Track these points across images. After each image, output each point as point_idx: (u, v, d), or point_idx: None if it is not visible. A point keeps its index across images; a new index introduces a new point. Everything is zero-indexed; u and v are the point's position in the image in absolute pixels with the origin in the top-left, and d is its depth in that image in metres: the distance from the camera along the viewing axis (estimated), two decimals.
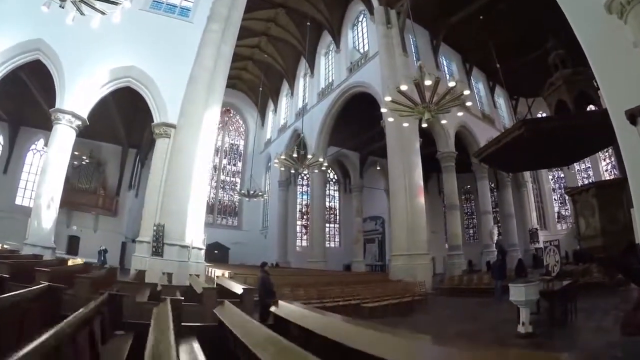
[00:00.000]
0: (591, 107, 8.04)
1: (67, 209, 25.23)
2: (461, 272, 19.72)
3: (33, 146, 26.90)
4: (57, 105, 14.71)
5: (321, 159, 18.25)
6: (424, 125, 10.89)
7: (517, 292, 6.93)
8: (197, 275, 10.86)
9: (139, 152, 28.04)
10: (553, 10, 7.75)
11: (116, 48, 15.33)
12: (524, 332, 6.58)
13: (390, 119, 11.91)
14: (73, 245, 25.44)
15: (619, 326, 5.91)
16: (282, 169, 21.37)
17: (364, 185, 32.27)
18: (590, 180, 24.86)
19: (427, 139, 22.23)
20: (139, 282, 9.15)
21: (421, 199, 18.05)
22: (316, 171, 21.86)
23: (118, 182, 27.96)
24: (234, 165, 40.10)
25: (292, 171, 21.03)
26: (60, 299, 4.97)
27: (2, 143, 26.06)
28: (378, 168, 29.59)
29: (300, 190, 34.91)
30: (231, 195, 38.27)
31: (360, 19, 25.99)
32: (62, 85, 14.87)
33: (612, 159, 26.20)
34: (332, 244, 34.92)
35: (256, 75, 34.24)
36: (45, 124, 18.90)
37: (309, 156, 17.52)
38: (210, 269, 16.16)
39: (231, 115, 40.88)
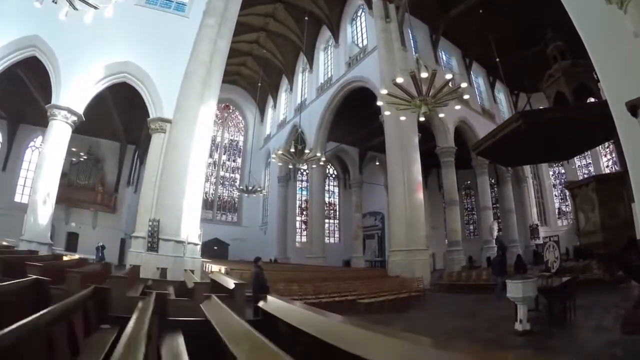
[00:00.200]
0: (591, 100, 7.87)
1: (65, 206, 25.23)
2: (460, 268, 19.58)
3: (32, 143, 26.83)
4: (53, 102, 14.67)
5: (319, 154, 18.12)
6: (422, 119, 10.73)
7: (514, 289, 6.79)
8: (192, 271, 10.75)
9: (138, 148, 27.92)
10: (552, 3, 7.60)
11: (112, 44, 15.25)
12: (521, 330, 6.45)
13: (387, 113, 11.76)
14: (72, 242, 25.42)
15: (619, 324, 5.77)
16: (280, 164, 21.29)
17: (363, 181, 32.17)
18: None
19: (427, 134, 22.07)
20: (132, 277, 9.06)
21: (420, 195, 17.91)
22: (314, 166, 21.73)
23: (117, 179, 27.90)
24: (234, 161, 39.98)
25: (290, 166, 20.88)
26: (47, 293, 4.92)
27: (1, 140, 26.04)
28: (377, 163, 29.46)
29: (300, 186, 34.75)
30: (231, 192, 38.19)
31: (359, 14, 25.76)
32: (57, 82, 14.84)
33: (613, 155, 25.96)
34: (331, 240, 34.86)
35: (255, 71, 34.06)
36: (44, 121, 18.85)
37: (307, 151, 17.36)
38: (207, 264, 16.10)
39: (230, 111, 40.76)
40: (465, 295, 13.60)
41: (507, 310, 7.79)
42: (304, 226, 33.61)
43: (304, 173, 32.08)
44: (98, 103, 19.56)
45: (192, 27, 16.04)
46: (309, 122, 26.90)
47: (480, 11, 20.21)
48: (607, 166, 27.09)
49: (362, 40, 24.65)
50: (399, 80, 9.13)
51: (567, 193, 22.62)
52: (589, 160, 28.61)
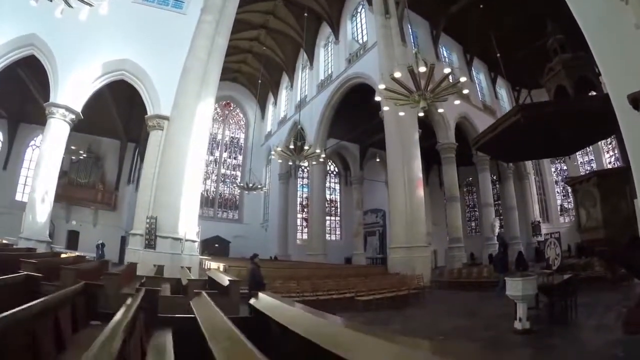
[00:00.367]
0: (592, 93, 7.71)
1: (66, 204, 25.26)
2: (461, 265, 19.46)
3: (32, 142, 26.78)
4: (51, 100, 14.69)
5: (318, 150, 17.98)
6: (420, 114, 10.59)
7: (514, 287, 6.65)
8: (189, 268, 10.72)
9: (138, 146, 27.83)
10: None
11: (110, 41, 15.25)
12: (520, 329, 6.30)
13: (386, 108, 11.63)
14: (73, 240, 25.42)
15: (620, 324, 5.63)
16: (280, 161, 21.18)
17: (364, 178, 32.05)
18: None
19: (428, 130, 21.94)
20: (128, 274, 9.02)
21: (420, 191, 17.78)
22: (314, 163, 21.63)
23: (117, 177, 27.85)
24: (235, 158, 39.91)
25: (290, 163, 20.78)
26: (39, 289, 4.88)
27: (1, 139, 26.06)
28: (377, 160, 29.32)
29: (301, 183, 34.62)
30: (232, 189, 38.12)
31: (359, 10, 25.59)
32: (55, 80, 14.85)
33: (616, 151, 25.74)
34: (333, 237, 34.79)
35: (256, 68, 33.95)
36: (44, 120, 18.87)
37: (306, 147, 17.24)
38: (206, 262, 16.06)
39: (231, 108, 40.67)
40: (466, 293, 13.49)
41: (507, 308, 7.65)
42: (304, 223, 33.52)
43: (305, 170, 31.99)
44: (98, 101, 19.52)
45: (190, 24, 15.95)
46: (310, 118, 26.79)
47: (481, 6, 20.00)
48: (610, 162, 26.88)
49: (362, 36, 24.49)
50: (397, 74, 8.99)
51: (569, 189, 22.45)
52: (591, 157, 28.41)
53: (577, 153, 28.24)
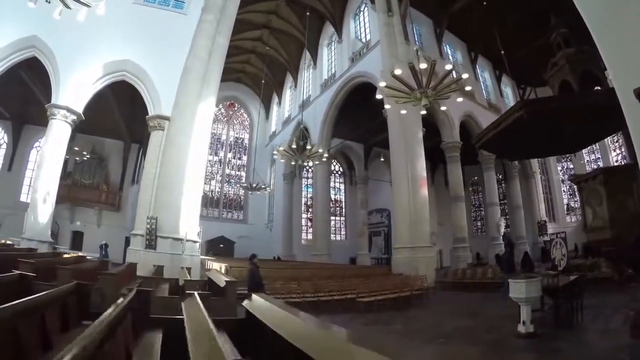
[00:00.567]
0: (597, 88, 7.49)
1: (70, 205, 25.42)
2: (466, 265, 19.21)
3: (37, 144, 26.92)
4: (53, 101, 14.72)
5: (320, 150, 17.82)
6: (423, 112, 10.41)
7: (517, 289, 6.45)
8: (189, 269, 10.64)
9: (142, 146, 27.92)
10: None
11: (111, 42, 15.25)
12: (524, 332, 6.10)
13: (388, 106, 11.47)
14: (77, 241, 25.59)
15: (627, 327, 5.42)
16: (283, 160, 21.04)
17: (369, 177, 31.85)
18: None
19: (433, 129, 21.75)
20: (127, 275, 8.96)
21: (424, 190, 17.56)
22: (317, 163, 21.50)
23: (121, 177, 27.98)
24: (239, 159, 39.84)
25: (293, 162, 20.65)
26: (32, 288, 4.83)
27: (6, 141, 26.31)
28: (382, 159, 29.12)
29: (305, 183, 34.44)
30: (237, 189, 38.06)
31: (362, 8, 25.40)
32: (57, 81, 14.88)
33: (623, 149, 25.33)
34: (337, 237, 34.65)
35: (259, 69, 33.87)
36: (47, 122, 19.07)
37: (308, 147, 17.10)
38: (209, 262, 15.99)
39: (236, 108, 40.61)
40: (470, 294, 13.29)
41: (511, 309, 7.45)
42: (309, 223, 33.34)
43: (309, 170, 31.87)
44: (101, 102, 19.57)
45: (191, 24, 15.88)
46: (314, 118, 26.68)
47: (484, 3, 19.74)
48: (617, 161, 26.43)
49: (365, 35, 24.31)
50: (397, 71, 8.83)
51: (575, 188, 22.10)
52: (598, 155, 28.01)
53: (583, 151, 27.90)
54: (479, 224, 33.79)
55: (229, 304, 6.54)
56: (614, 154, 26.86)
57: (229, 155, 39.41)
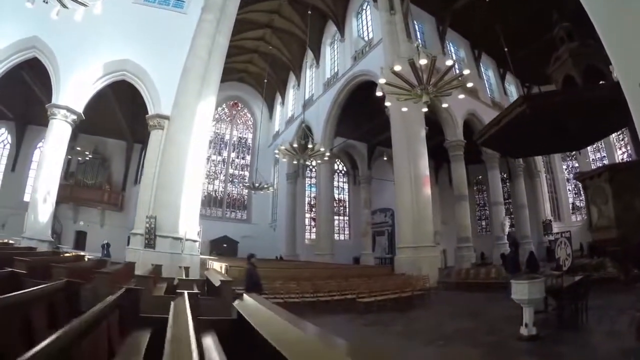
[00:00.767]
0: (602, 83, 7.28)
1: (73, 205, 25.50)
2: (470, 265, 18.98)
3: (40, 144, 26.92)
4: (53, 101, 14.78)
5: (322, 149, 17.67)
6: (424, 109, 10.24)
7: (520, 290, 6.25)
8: (187, 268, 10.56)
9: (144, 147, 27.92)
10: None
11: (111, 42, 15.29)
12: (526, 335, 5.90)
13: (388, 103, 11.29)
14: (81, 241, 25.64)
15: (633, 329, 5.22)
16: (285, 159, 20.94)
17: (372, 177, 31.67)
18: None
19: (436, 128, 21.54)
20: (124, 274, 8.86)
21: (427, 189, 17.38)
22: (319, 162, 21.37)
23: (124, 177, 28.04)
24: (243, 158, 39.79)
25: (295, 162, 20.54)
26: (23, 286, 4.82)
27: (9, 142, 26.46)
28: (385, 158, 28.90)
29: (309, 182, 34.30)
30: (240, 189, 38.01)
31: (364, 7, 25.25)
32: (57, 81, 14.95)
33: (629, 148, 24.97)
34: (341, 237, 34.47)
35: (262, 68, 33.83)
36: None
37: (309, 146, 16.97)
38: (210, 262, 15.93)
39: (239, 108, 40.56)
40: (473, 294, 13.08)
41: (515, 310, 7.22)
42: (312, 223, 33.21)
43: (313, 170, 31.76)
44: (102, 102, 19.60)
45: (191, 23, 15.89)
46: (317, 117, 26.55)
47: (487, 0, 19.49)
48: (623, 159, 26.09)
49: (368, 33, 24.14)
50: (397, 68, 8.66)
51: (580, 187, 21.76)
52: (604, 153, 27.67)
53: (588, 149, 27.59)
54: (483, 223, 33.50)
55: (224, 303, 6.42)
56: (619, 152, 26.53)
57: (233, 155, 39.37)
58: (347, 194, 36.90)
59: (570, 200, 30.48)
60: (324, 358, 2.03)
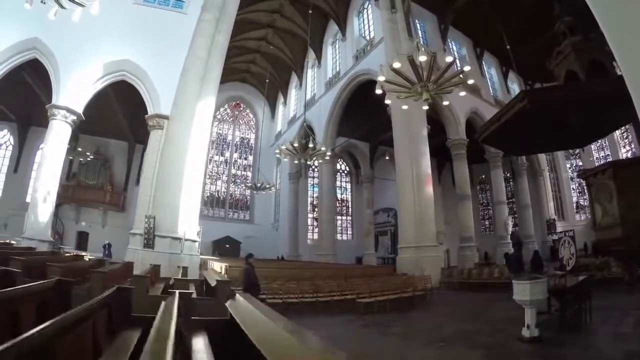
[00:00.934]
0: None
1: (75, 205, 25.54)
2: (473, 265, 18.79)
3: (42, 145, 27.02)
4: (53, 102, 14.76)
5: (323, 148, 17.55)
6: (425, 107, 10.10)
7: (521, 290, 6.10)
8: (185, 268, 10.47)
9: (146, 147, 27.92)
10: None
11: (111, 43, 15.27)
12: (528, 337, 5.75)
13: (388, 101, 11.17)
14: (83, 241, 25.69)
15: (638, 331, 5.06)
16: (286, 159, 20.85)
17: (375, 176, 31.53)
18: None
19: (439, 127, 21.38)
20: (122, 274, 8.80)
21: (429, 189, 17.21)
22: (320, 161, 21.26)
23: (125, 178, 28.06)
24: (245, 159, 39.75)
25: (295, 161, 20.43)
26: (16, 284, 4.79)
27: (12, 143, 26.53)
28: (387, 158, 28.78)
29: (311, 182, 34.19)
30: (243, 189, 37.96)
31: (365, 6, 25.14)
32: (57, 82, 14.93)
33: (633, 146, 24.69)
34: (344, 237, 34.39)
35: (264, 68, 33.79)
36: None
37: (310, 145, 16.85)
38: (211, 262, 15.86)
39: (241, 109, 40.52)
40: (475, 294, 12.89)
41: (517, 311, 7.07)
42: (315, 223, 33.10)
43: (315, 170, 31.66)
44: (104, 103, 19.58)
45: (191, 23, 15.83)
46: (318, 117, 26.48)
47: None
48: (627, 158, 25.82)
49: (369, 32, 24.02)
50: (396, 65, 8.53)
51: (584, 184, 21.47)
52: (608, 152, 27.38)
53: (592, 148, 27.31)
54: (487, 222, 33.28)
55: (220, 304, 6.34)
56: (623, 150, 26.23)
57: (235, 155, 39.34)
58: (349, 193, 36.78)
59: (575, 199, 30.20)
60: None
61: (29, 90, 19.92)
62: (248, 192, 36.71)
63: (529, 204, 26.59)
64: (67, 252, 15.65)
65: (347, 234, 35.38)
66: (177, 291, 5.22)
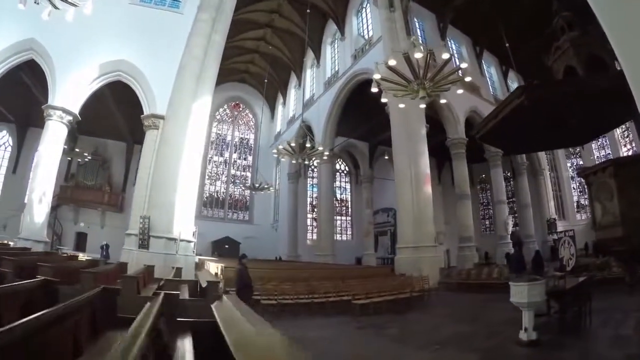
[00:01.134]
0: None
1: (74, 206, 25.49)
2: (472, 265, 18.63)
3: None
4: (49, 102, 14.72)
5: (321, 148, 17.42)
6: (422, 106, 9.96)
7: (519, 292, 5.94)
8: (179, 269, 10.37)
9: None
10: None
11: (107, 43, 15.22)
12: (526, 340, 5.59)
13: (384, 100, 11.04)
14: (81, 242, 25.63)
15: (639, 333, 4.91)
16: (284, 159, 20.73)
17: (374, 176, 31.39)
18: None
19: (438, 127, 21.23)
20: (115, 274, 8.72)
21: (428, 188, 17.07)
22: (318, 161, 21.15)
23: (124, 179, 28.02)
24: (245, 159, 39.62)
25: (293, 161, 20.32)
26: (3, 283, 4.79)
27: (11, 144, 26.49)
28: (386, 157, 28.62)
29: (311, 182, 34.05)
30: (242, 190, 37.83)
31: (364, 5, 25.02)
32: (53, 82, 14.92)
33: (634, 144, 24.51)
34: (343, 237, 34.25)
35: (263, 68, 33.67)
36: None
37: (307, 145, 16.71)
38: (207, 262, 15.75)
39: (240, 109, 40.40)
40: (474, 295, 12.74)
41: (516, 312, 6.91)
42: (314, 224, 32.97)
43: (315, 170, 31.53)
44: (102, 104, 19.50)
45: (187, 23, 15.79)
46: (317, 117, 26.37)
47: None
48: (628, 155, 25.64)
49: (368, 31, 23.90)
50: (392, 62, 8.39)
51: (584, 183, 21.27)
52: (608, 151, 27.22)
53: (593, 146, 27.14)
54: (487, 222, 33.11)
55: (209, 305, 6.25)
56: (624, 149, 26.05)
57: (234, 155, 39.22)
58: (349, 193, 36.64)
59: (575, 198, 30.01)
60: None
61: (27, 91, 19.87)
62: (247, 192, 36.59)
63: (529, 203, 26.44)
64: (64, 253, 15.55)
65: (346, 234, 35.25)
66: (163, 292, 5.14)
